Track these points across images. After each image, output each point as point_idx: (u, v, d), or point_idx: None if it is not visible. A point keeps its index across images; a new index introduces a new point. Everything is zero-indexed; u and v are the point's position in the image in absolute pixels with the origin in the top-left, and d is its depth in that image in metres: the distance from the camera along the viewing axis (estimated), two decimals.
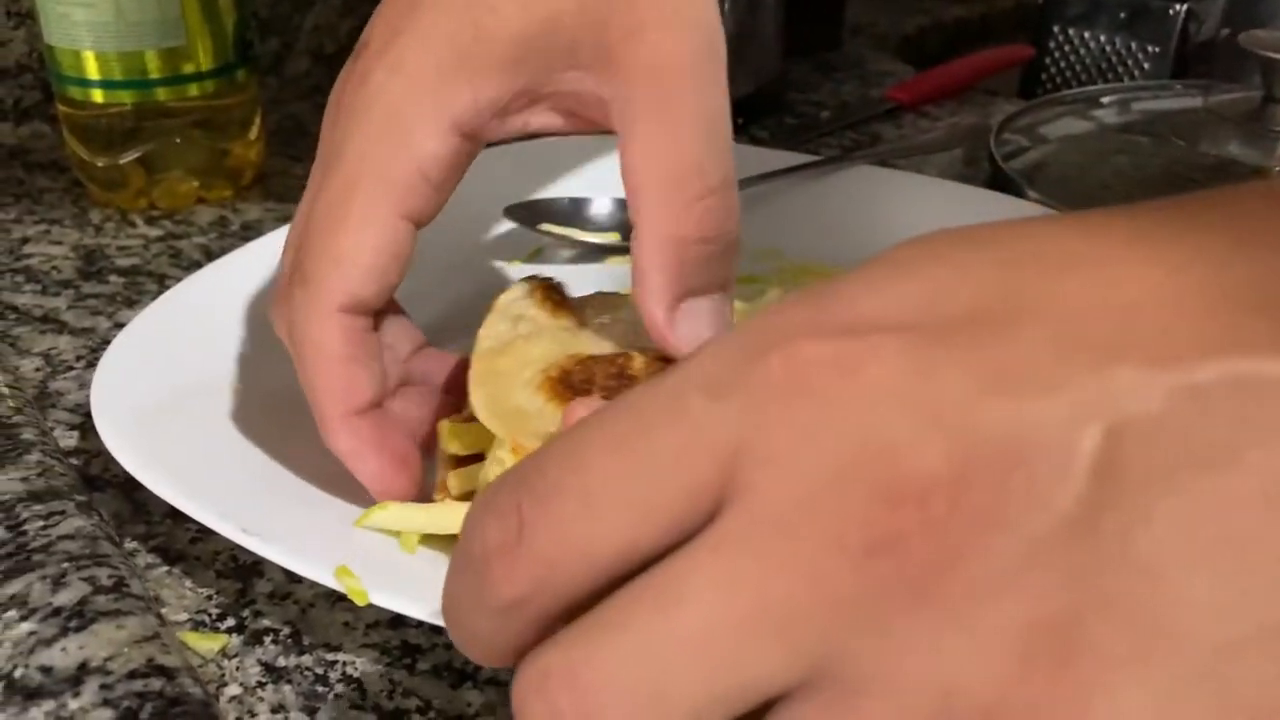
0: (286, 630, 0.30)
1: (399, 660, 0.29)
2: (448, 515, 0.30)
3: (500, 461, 0.28)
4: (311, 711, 0.28)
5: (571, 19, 0.29)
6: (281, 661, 0.29)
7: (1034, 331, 0.16)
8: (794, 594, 0.16)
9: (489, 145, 0.32)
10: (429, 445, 0.32)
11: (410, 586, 0.27)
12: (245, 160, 0.57)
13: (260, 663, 0.29)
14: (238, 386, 0.37)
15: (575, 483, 0.17)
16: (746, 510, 0.16)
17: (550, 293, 0.33)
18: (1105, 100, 0.67)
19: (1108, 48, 0.79)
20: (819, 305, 0.18)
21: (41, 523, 0.31)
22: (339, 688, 0.29)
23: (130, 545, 0.34)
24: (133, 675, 0.26)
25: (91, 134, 0.54)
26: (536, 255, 0.48)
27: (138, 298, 0.48)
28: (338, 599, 0.31)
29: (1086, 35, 0.79)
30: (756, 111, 0.69)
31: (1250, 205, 0.18)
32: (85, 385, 0.41)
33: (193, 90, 0.54)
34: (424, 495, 0.31)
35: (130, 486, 0.36)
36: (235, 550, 0.33)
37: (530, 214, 0.48)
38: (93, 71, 0.52)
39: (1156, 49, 0.76)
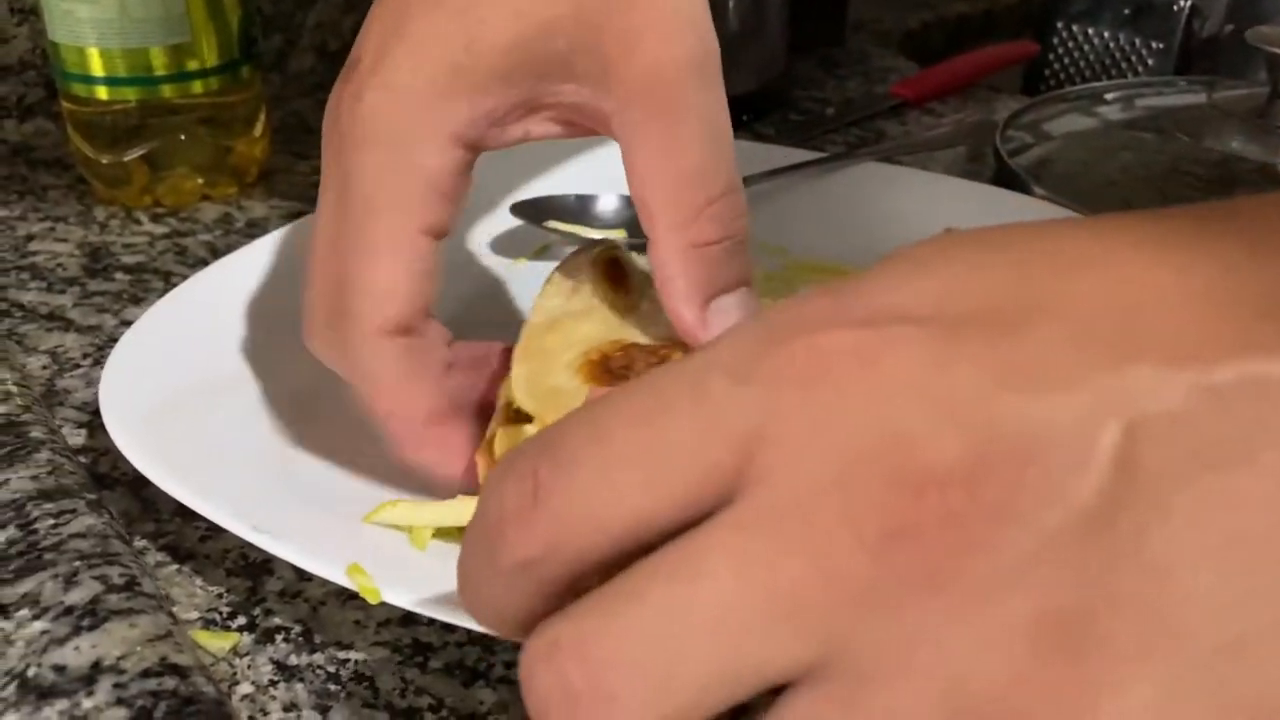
0: (298, 628, 0.30)
1: (411, 658, 0.29)
2: (457, 509, 0.30)
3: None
4: (324, 710, 0.28)
5: (565, 27, 0.29)
6: (293, 660, 0.29)
7: (1051, 329, 0.17)
8: (807, 579, 0.16)
9: None
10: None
11: (422, 584, 0.27)
12: (250, 157, 0.57)
13: (272, 661, 0.29)
14: (246, 384, 0.37)
15: (594, 453, 0.18)
16: (764, 494, 0.17)
17: (611, 267, 0.33)
18: (1109, 97, 0.67)
19: (1111, 44, 0.79)
20: (841, 297, 0.18)
21: (52, 521, 0.31)
22: (351, 686, 0.29)
23: (140, 544, 0.34)
24: (146, 674, 0.26)
25: (96, 131, 0.54)
26: (543, 252, 0.48)
27: (144, 295, 0.48)
28: (348, 597, 0.31)
29: (1090, 31, 0.79)
30: (761, 108, 0.69)
31: (1268, 214, 0.18)
32: (92, 383, 0.41)
33: (197, 87, 0.53)
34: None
35: (138, 484, 0.36)
36: (245, 548, 0.33)
37: (536, 211, 0.48)
38: (97, 68, 0.52)
39: (1160, 45, 0.76)
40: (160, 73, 0.52)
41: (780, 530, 0.16)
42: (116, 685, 0.26)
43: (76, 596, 0.28)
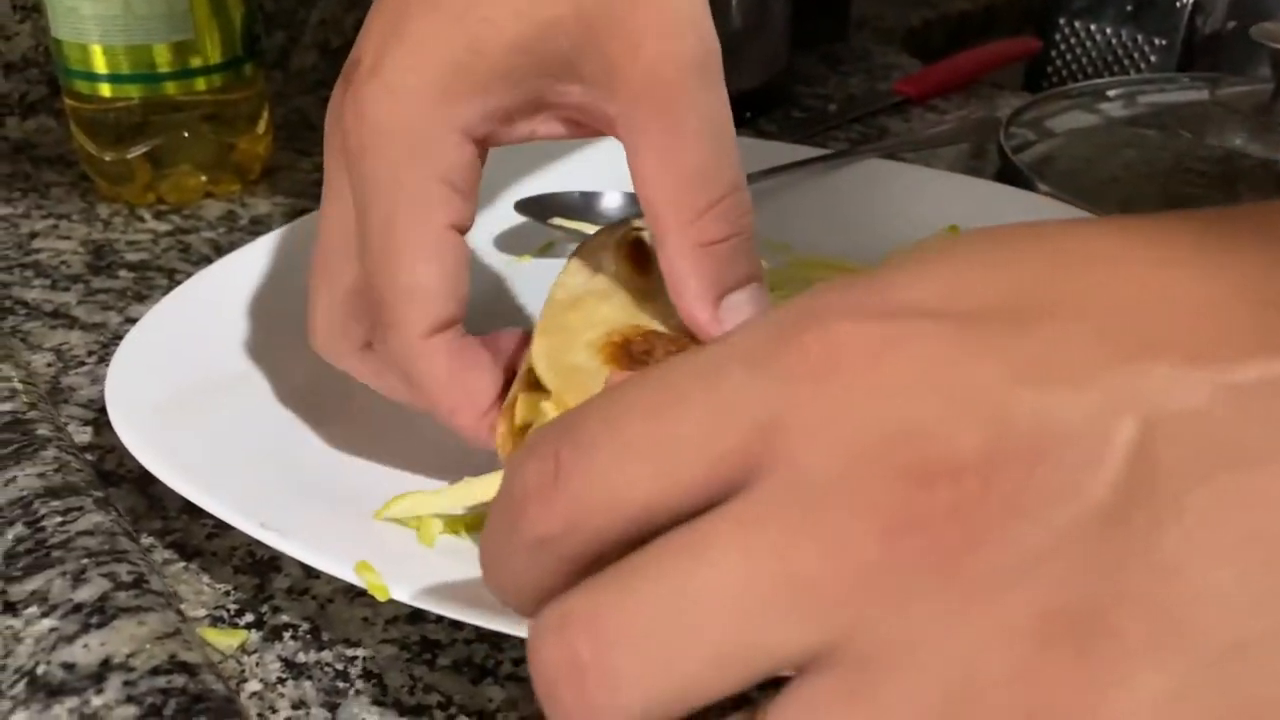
0: (305, 626, 0.30)
1: (419, 655, 0.29)
2: (464, 491, 0.30)
3: (544, 414, 0.28)
4: (332, 707, 0.28)
5: (567, 27, 0.29)
6: (301, 657, 0.29)
7: (1070, 324, 0.17)
8: (818, 565, 0.16)
9: None
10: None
11: (430, 581, 0.28)
12: (253, 154, 0.57)
13: (280, 658, 0.29)
14: (251, 381, 0.37)
15: (612, 437, 0.18)
16: (776, 481, 0.17)
17: (634, 249, 0.33)
18: (1112, 93, 0.67)
19: (1114, 40, 0.79)
20: (858, 289, 0.18)
21: (60, 519, 0.31)
22: (359, 683, 0.29)
23: (147, 541, 0.34)
24: (155, 672, 0.26)
25: (99, 128, 0.54)
26: (548, 249, 0.48)
27: (148, 292, 0.48)
28: (356, 594, 0.31)
29: (1093, 28, 0.79)
30: (764, 105, 0.69)
31: None
32: (97, 380, 0.41)
33: (200, 84, 0.53)
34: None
35: (145, 482, 0.36)
36: (252, 545, 0.33)
37: (541, 208, 0.48)
38: (100, 65, 0.52)
39: (1163, 41, 0.76)
40: (163, 70, 0.52)
41: (791, 517, 0.17)
42: (126, 683, 0.26)
43: (85, 594, 0.28)
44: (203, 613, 0.31)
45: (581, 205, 0.49)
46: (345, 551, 0.28)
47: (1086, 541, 0.16)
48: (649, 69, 0.28)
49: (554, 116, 0.31)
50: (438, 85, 0.29)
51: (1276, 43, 0.57)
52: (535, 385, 0.29)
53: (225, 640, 0.30)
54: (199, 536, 0.34)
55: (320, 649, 0.30)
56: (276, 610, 0.31)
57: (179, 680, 0.26)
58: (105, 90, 0.53)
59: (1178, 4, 0.75)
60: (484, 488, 0.30)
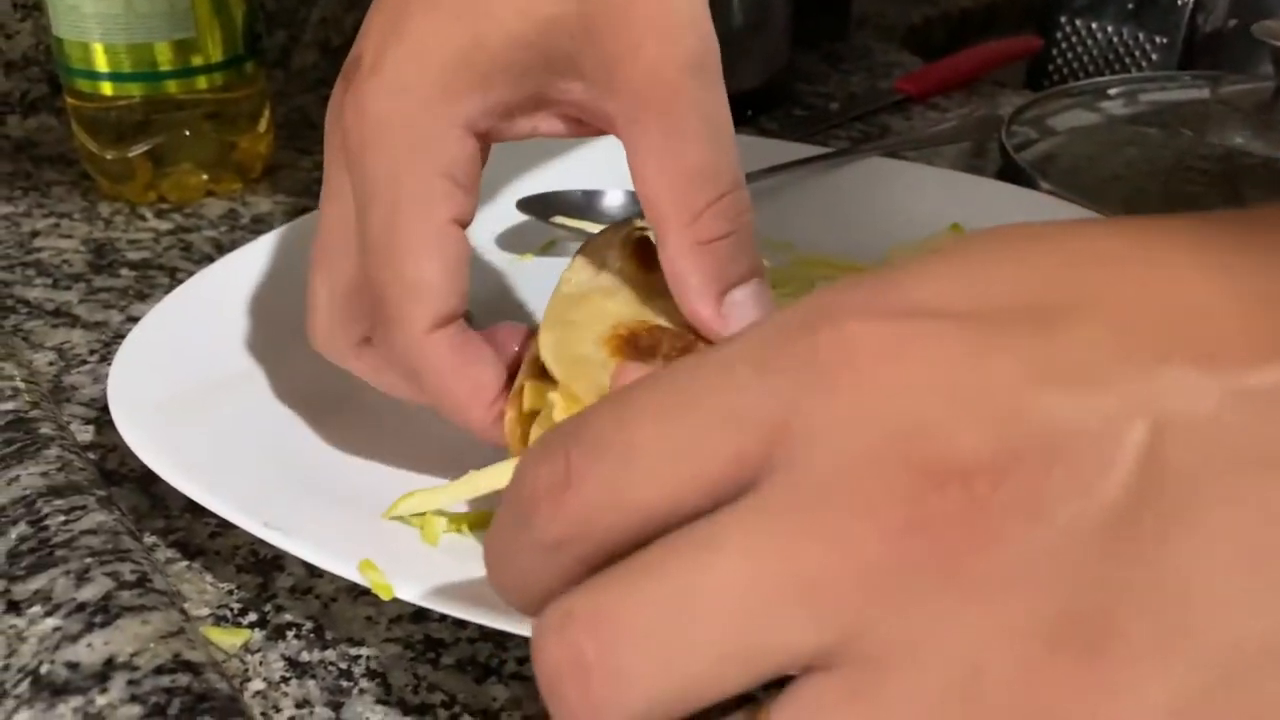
0: (309, 625, 0.30)
1: (423, 655, 0.29)
2: (470, 484, 0.30)
3: (552, 405, 0.28)
4: (336, 707, 0.28)
5: (569, 24, 0.29)
6: (305, 656, 0.29)
7: (1085, 326, 0.16)
8: (824, 564, 0.16)
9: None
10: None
11: (434, 579, 0.28)
12: (254, 153, 0.57)
13: (283, 658, 0.29)
14: (254, 379, 0.37)
15: (622, 438, 0.18)
16: (785, 480, 0.17)
17: (640, 247, 0.33)
18: (1113, 92, 0.67)
19: (1115, 39, 0.79)
20: (870, 288, 0.18)
21: (63, 518, 0.31)
22: (363, 683, 0.29)
23: (149, 540, 0.34)
24: (159, 671, 0.26)
25: (100, 126, 0.54)
26: (549, 248, 0.48)
27: (150, 291, 0.48)
28: (359, 593, 0.31)
29: (1094, 26, 0.79)
30: (765, 103, 0.69)
31: None
32: (99, 379, 0.41)
33: (202, 83, 0.53)
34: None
35: (147, 481, 0.36)
36: (255, 545, 0.33)
37: (543, 207, 0.48)
38: (101, 64, 0.52)
39: (1164, 40, 0.76)
40: (165, 68, 0.52)
41: (799, 516, 0.17)
42: (130, 682, 0.26)
43: (88, 593, 0.28)
44: (206, 612, 0.31)
45: (584, 204, 0.49)
46: (349, 550, 0.28)
47: (1094, 544, 0.16)
48: (649, 69, 0.28)
49: (555, 114, 0.31)
50: (438, 81, 0.29)
51: (1278, 40, 0.57)
52: (541, 374, 0.29)
53: (229, 639, 0.30)
54: (202, 535, 0.34)
55: (324, 648, 0.30)
56: (280, 609, 0.31)
57: (183, 679, 0.26)
58: (107, 89, 0.52)
59: (1179, 2, 0.75)
60: (489, 479, 0.30)
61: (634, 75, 0.29)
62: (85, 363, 0.43)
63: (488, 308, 0.43)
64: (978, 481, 0.16)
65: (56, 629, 0.27)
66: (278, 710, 0.28)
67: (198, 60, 0.53)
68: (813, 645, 0.16)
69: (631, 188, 0.36)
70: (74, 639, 0.27)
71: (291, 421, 0.35)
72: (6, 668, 0.27)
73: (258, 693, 0.28)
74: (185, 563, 0.33)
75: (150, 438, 0.32)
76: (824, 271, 0.46)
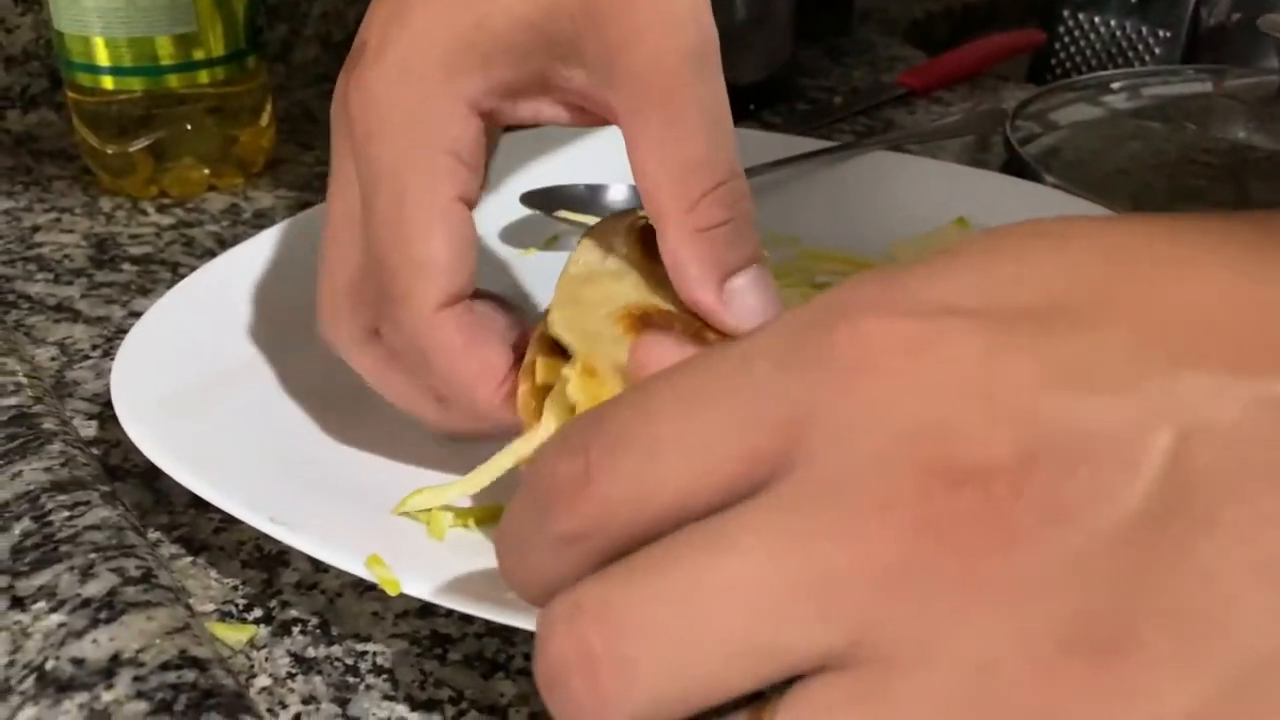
0: (315, 620, 0.30)
1: (430, 650, 0.29)
2: (478, 478, 0.30)
3: (566, 380, 0.28)
4: (343, 703, 0.28)
5: (572, 10, 0.29)
6: (311, 652, 0.29)
7: (1110, 328, 0.16)
8: (838, 562, 0.16)
9: (504, 130, 0.32)
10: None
11: (441, 575, 0.27)
12: (256, 147, 0.57)
13: (289, 653, 0.29)
14: (257, 374, 0.37)
15: (642, 433, 0.18)
16: (801, 477, 0.17)
17: (645, 234, 0.33)
18: (1116, 86, 0.67)
19: (1118, 32, 0.79)
20: (890, 285, 0.18)
21: (67, 513, 0.31)
22: (370, 678, 0.29)
23: (154, 536, 0.33)
24: (165, 667, 0.26)
25: (101, 121, 0.54)
26: (553, 242, 0.48)
27: (152, 286, 0.48)
28: (365, 589, 0.31)
29: (1097, 20, 0.79)
30: (768, 97, 0.68)
31: None
32: (102, 374, 0.41)
33: (203, 77, 0.53)
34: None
35: (151, 476, 0.36)
36: (260, 540, 0.33)
37: (546, 200, 0.48)
38: (103, 58, 0.52)
39: (1167, 33, 0.76)
40: (166, 62, 0.52)
41: (815, 513, 0.16)
42: (136, 678, 0.26)
43: (93, 589, 0.28)
44: (211, 608, 0.31)
45: (587, 198, 0.48)
46: (355, 545, 0.28)
47: (1117, 549, 0.16)
48: (650, 59, 0.28)
49: (558, 101, 0.31)
50: (441, 62, 0.29)
51: None
52: (551, 351, 0.29)
53: (234, 635, 0.30)
54: (206, 531, 0.34)
55: (330, 644, 0.30)
56: (285, 605, 0.31)
57: (189, 675, 0.26)
58: (107, 83, 0.52)
59: None
60: (497, 467, 0.29)
61: (635, 63, 0.28)
62: (88, 358, 0.43)
63: None
64: (995, 483, 0.16)
65: (61, 625, 0.27)
66: (284, 706, 0.28)
67: (199, 54, 0.53)
68: (823, 646, 0.16)
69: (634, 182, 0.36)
70: (79, 635, 0.27)
71: (295, 416, 0.35)
72: (11, 664, 0.26)
73: (264, 688, 0.28)
74: (190, 558, 0.33)
75: (154, 433, 0.32)
76: (828, 265, 0.46)
